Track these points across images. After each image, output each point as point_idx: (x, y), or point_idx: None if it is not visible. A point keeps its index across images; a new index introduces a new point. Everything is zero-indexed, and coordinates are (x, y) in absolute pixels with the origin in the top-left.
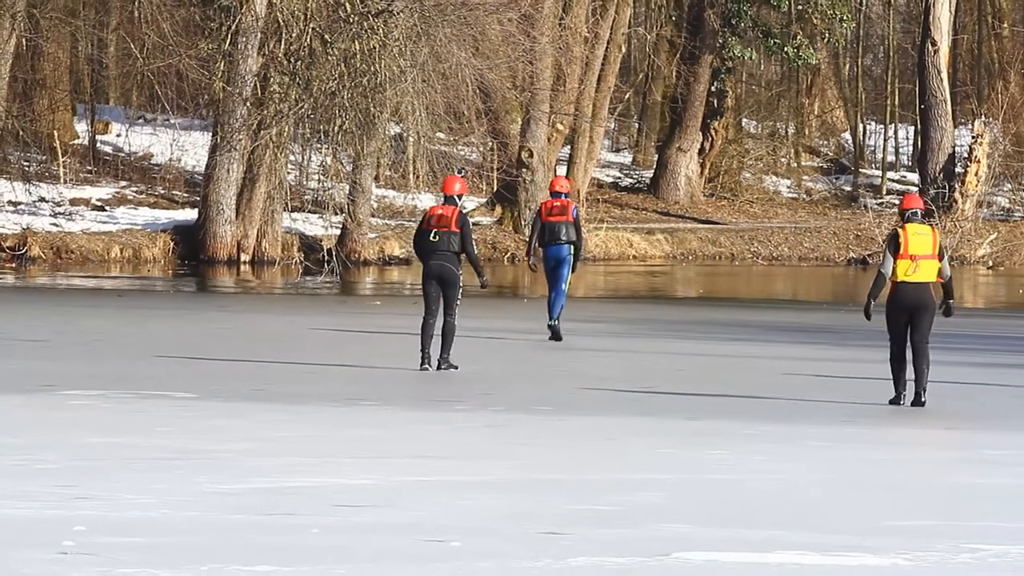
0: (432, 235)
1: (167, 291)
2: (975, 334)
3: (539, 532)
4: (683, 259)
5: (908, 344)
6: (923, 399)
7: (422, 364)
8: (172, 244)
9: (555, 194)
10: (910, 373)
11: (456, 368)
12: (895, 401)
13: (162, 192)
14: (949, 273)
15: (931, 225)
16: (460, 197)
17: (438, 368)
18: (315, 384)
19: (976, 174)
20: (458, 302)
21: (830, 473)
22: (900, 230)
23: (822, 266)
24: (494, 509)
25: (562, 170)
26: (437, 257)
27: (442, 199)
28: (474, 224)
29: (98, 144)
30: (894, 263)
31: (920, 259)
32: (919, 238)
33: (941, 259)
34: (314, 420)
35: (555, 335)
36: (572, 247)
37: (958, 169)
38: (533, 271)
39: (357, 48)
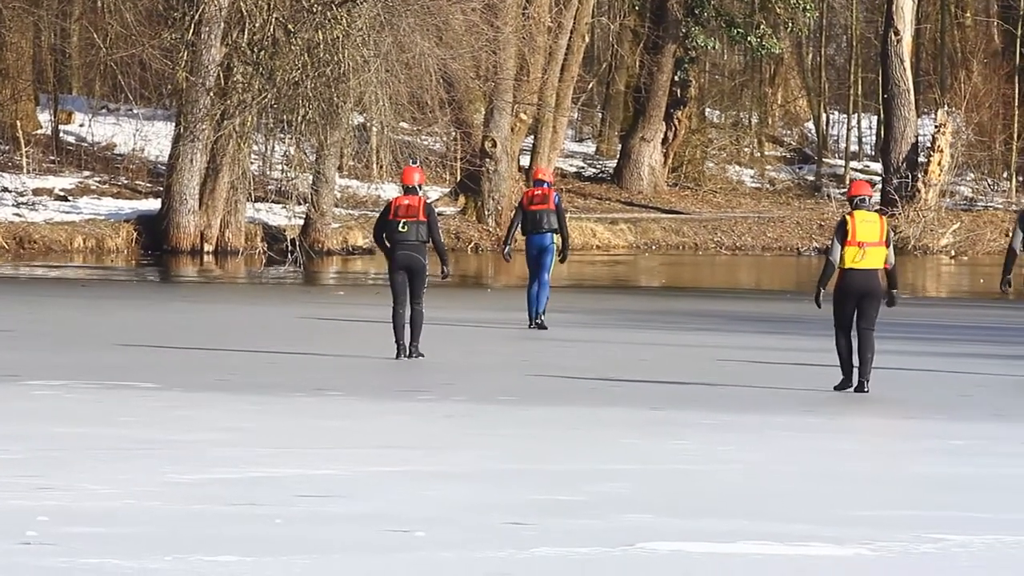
0: (400, 226)
1: (131, 281)
2: (938, 323)
3: (503, 522)
4: (647, 249)
5: (854, 331)
6: (866, 387)
7: (398, 355)
8: (135, 234)
9: (537, 182)
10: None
11: (423, 356)
12: (841, 387)
13: (125, 182)
14: (894, 261)
15: (879, 212)
16: (420, 187)
17: (409, 356)
18: (278, 374)
19: (939, 164)
20: (425, 291)
21: (793, 463)
22: (848, 217)
23: (785, 255)
24: (457, 499)
25: (525, 160)
26: (405, 247)
27: (402, 189)
28: (438, 214)
29: (61, 134)
30: (842, 250)
31: (868, 246)
32: (867, 225)
33: (888, 246)
34: (277, 410)
35: (541, 326)
36: (554, 235)
37: (921, 159)
38: (507, 261)
39: (320, 38)
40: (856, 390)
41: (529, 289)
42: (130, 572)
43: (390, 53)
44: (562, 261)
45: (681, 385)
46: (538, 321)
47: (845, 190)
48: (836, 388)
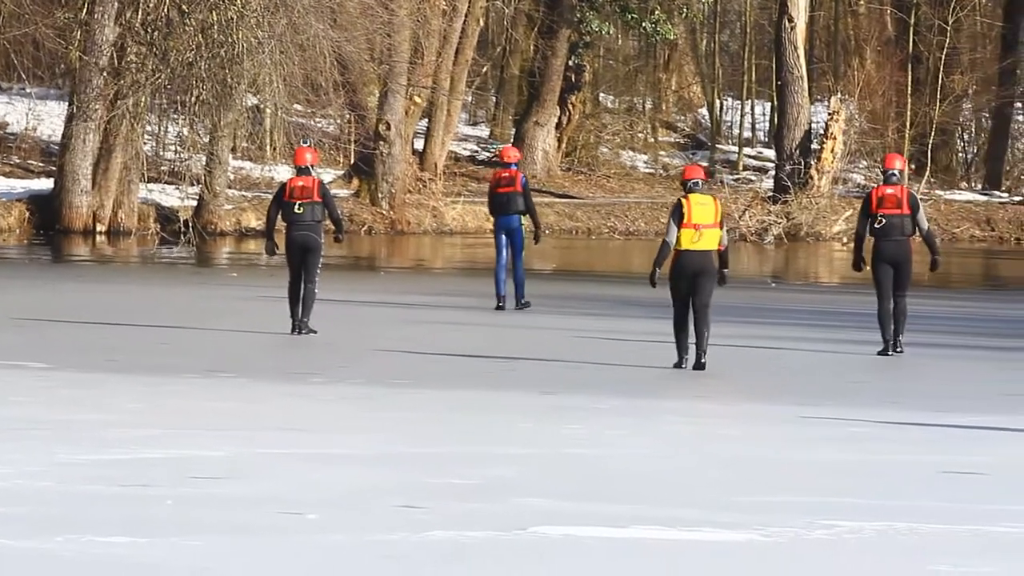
0: (297, 207)
1: (22, 261)
2: (828, 310)
3: (395, 505)
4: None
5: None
6: (703, 360)
7: (293, 329)
8: (27, 214)
9: (504, 164)
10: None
11: (315, 332)
12: (678, 365)
13: (17, 161)
14: (727, 242)
15: (713, 195)
16: (313, 167)
17: (299, 332)
18: (171, 355)
19: (832, 151)
20: (319, 269)
21: (685, 448)
22: (683, 200)
23: None
24: (350, 482)
25: (419, 143)
26: (302, 228)
27: (296, 171)
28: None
29: None
30: (678, 232)
31: (704, 228)
32: (702, 208)
33: (722, 227)
34: (170, 391)
35: (526, 304)
36: (521, 217)
37: (814, 146)
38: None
39: (214, 19)
40: (694, 367)
41: (497, 271)
42: (21, 552)
43: (284, 35)
44: (536, 241)
45: (574, 370)
46: (522, 303)
47: (742, 176)
48: (673, 366)
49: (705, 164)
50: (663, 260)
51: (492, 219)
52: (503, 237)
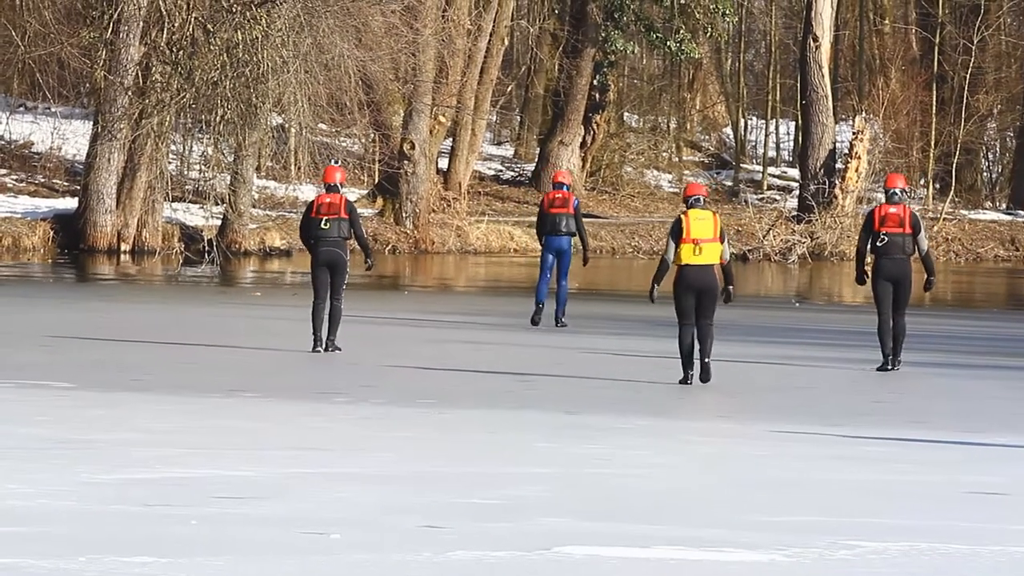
0: (323, 223)
1: (47, 280)
2: (852, 330)
3: (419, 526)
4: None
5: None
6: (709, 369)
7: (315, 347)
8: (52, 233)
9: (557, 185)
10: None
11: (340, 350)
12: (684, 381)
13: (42, 181)
14: (729, 256)
15: (712, 211)
16: (342, 185)
17: (326, 350)
18: (195, 375)
19: (856, 170)
20: (344, 287)
21: (708, 468)
22: (683, 216)
23: None
24: (374, 502)
25: (444, 163)
26: (327, 244)
27: (324, 188)
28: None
29: None
30: (678, 248)
31: (703, 243)
32: (700, 223)
33: (723, 242)
34: (194, 411)
35: (563, 325)
36: (571, 239)
37: (838, 165)
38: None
39: (240, 38)
40: (701, 379)
41: (539, 288)
42: (44, 572)
43: (309, 54)
44: (584, 264)
45: (597, 389)
46: (560, 322)
47: (766, 195)
48: (680, 382)
49: (730, 183)
50: (661, 276)
51: (539, 239)
52: (550, 257)
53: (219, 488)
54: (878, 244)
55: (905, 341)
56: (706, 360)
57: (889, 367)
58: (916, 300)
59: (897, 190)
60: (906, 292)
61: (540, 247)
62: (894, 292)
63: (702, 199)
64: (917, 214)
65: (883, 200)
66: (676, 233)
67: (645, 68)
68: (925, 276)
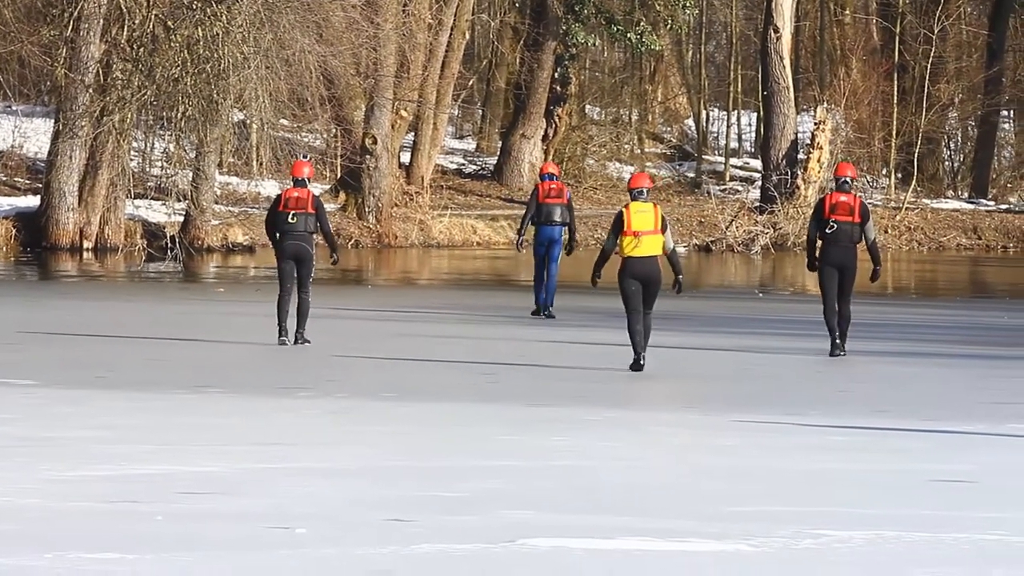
0: (290, 217)
1: (9, 278)
2: (816, 320)
3: (384, 519)
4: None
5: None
6: (641, 362)
7: (280, 339)
8: (14, 231)
9: (548, 176)
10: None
11: (309, 343)
12: (635, 365)
13: (3, 179)
14: (672, 247)
15: (653, 203)
16: (309, 180)
17: (295, 342)
18: (159, 371)
19: (818, 160)
20: (311, 280)
21: (673, 459)
22: (624, 209)
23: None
24: (339, 496)
25: (405, 157)
26: (294, 237)
27: (292, 182)
28: None
29: None
30: (619, 239)
31: (643, 235)
32: (641, 215)
33: (663, 232)
34: (158, 407)
35: (550, 315)
36: (563, 229)
37: (800, 155)
38: (520, 251)
39: (200, 35)
40: (632, 367)
41: (536, 279)
42: (8, 570)
43: (270, 50)
44: (568, 253)
45: (561, 381)
46: (547, 311)
47: (728, 187)
48: (631, 368)
49: (692, 175)
50: (600, 264)
51: (520, 229)
52: (542, 250)
53: (185, 484)
54: (827, 231)
55: (850, 329)
56: (640, 361)
57: (839, 352)
58: (879, 288)
59: (847, 178)
60: (851, 279)
61: (514, 236)
62: (840, 279)
63: (645, 191)
64: (867, 204)
65: (834, 188)
66: (617, 225)
67: (606, 61)
68: (872, 266)
